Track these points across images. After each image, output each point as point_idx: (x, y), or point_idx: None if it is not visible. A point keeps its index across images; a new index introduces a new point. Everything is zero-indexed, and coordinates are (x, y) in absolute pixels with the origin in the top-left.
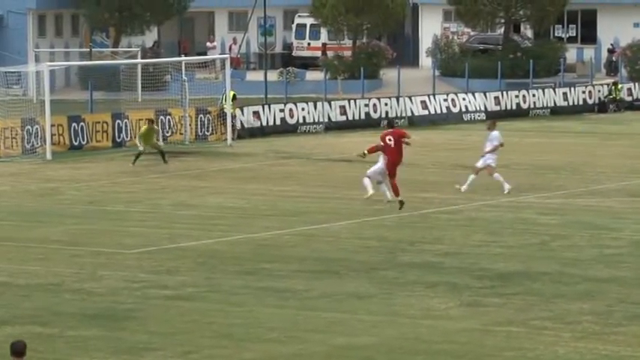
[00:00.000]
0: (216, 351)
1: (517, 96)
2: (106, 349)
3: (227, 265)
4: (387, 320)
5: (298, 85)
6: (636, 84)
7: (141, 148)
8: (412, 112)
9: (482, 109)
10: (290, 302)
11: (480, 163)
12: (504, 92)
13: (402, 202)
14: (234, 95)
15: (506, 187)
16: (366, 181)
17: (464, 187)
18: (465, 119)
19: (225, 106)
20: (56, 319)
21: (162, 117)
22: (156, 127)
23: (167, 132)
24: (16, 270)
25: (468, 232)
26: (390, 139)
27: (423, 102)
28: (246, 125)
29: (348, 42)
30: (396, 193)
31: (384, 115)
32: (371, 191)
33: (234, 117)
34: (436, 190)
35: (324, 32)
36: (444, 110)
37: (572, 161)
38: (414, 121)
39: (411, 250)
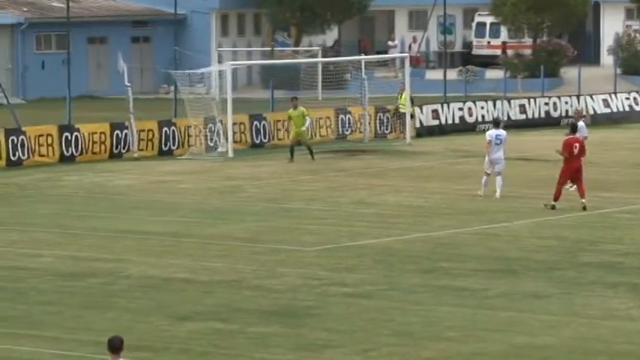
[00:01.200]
0: (395, 349)
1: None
2: (285, 346)
3: (405, 264)
4: (566, 320)
5: (477, 84)
6: None
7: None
8: (594, 110)
9: None
10: (468, 301)
11: None
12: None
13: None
14: (412, 99)
15: None
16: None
17: None
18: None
19: (401, 104)
20: (236, 315)
21: (342, 115)
22: (305, 111)
23: (347, 130)
24: (198, 266)
25: None
26: (575, 147)
27: (605, 100)
28: (425, 124)
29: (528, 40)
30: (582, 195)
31: (564, 114)
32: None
33: (412, 117)
34: (617, 189)
35: (504, 30)
36: (626, 108)
37: None
38: (597, 120)
39: (591, 249)
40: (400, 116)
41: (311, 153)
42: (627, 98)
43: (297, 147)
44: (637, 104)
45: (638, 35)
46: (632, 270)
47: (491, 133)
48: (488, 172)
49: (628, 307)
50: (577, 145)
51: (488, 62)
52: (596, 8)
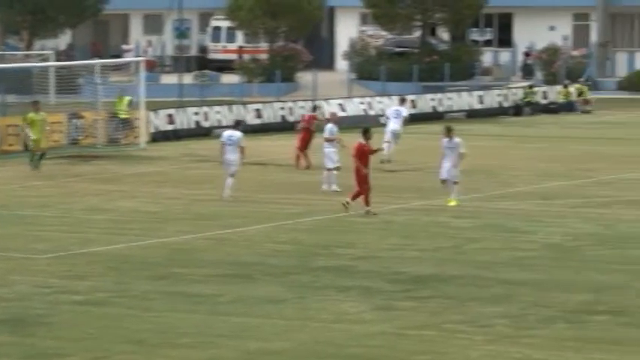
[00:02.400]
0: (127, 356)
1: (433, 99)
2: (15, 355)
3: (139, 270)
4: (300, 325)
5: (213, 88)
6: (551, 87)
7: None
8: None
9: None
10: (202, 307)
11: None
12: (420, 95)
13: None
14: (130, 101)
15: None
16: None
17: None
18: (383, 122)
19: (120, 110)
20: None
21: (74, 120)
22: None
23: (79, 135)
24: None
25: (382, 235)
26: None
27: (340, 105)
28: (160, 128)
29: (264, 45)
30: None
31: (299, 119)
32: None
33: (128, 121)
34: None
35: (240, 35)
36: (361, 113)
37: (487, 164)
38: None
39: (325, 254)
40: (124, 122)
41: (40, 159)
42: (362, 103)
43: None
44: (371, 109)
45: (372, 40)
46: (364, 274)
47: (225, 134)
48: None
49: (360, 310)
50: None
51: (224, 67)
52: (330, 13)
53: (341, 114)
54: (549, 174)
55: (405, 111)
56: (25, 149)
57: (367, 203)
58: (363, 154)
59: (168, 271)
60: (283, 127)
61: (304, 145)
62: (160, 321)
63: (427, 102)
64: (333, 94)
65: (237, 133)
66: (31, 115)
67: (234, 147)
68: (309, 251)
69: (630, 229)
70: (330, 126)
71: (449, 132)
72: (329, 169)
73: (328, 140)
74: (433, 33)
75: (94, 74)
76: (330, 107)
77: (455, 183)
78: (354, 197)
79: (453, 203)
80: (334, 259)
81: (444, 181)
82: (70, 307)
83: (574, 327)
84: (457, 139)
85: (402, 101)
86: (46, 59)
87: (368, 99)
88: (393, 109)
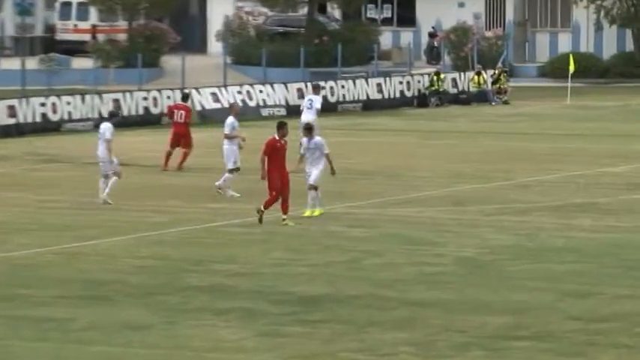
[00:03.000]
0: None
1: (323, 88)
2: None
3: None
4: (169, 354)
5: (63, 75)
6: (462, 74)
7: None
8: (202, 105)
9: (283, 103)
10: (52, 334)
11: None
12: (308, 83)
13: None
14: None
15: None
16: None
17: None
18: (264, 114)
19: None
20: None
21: None
22: None
23: None
24: None
25: (265, 249)
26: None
27: (214, 94)
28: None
29: (122, 23)
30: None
31: (165, 110)
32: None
33: None
34: (226, 199)
35: (93, 12)
36: (240, 103)
37: (388, 164)
38: (205, 116)
39: (198, 270)
40: None
41: None
42: (239, 92)
43: None
44: (251, 99)
45: (250, 18)
46: (245, 294)
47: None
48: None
49: (240, 337)
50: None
51: (75, 49)
52: None
53: (214, 105)
54: (460, 175)
55: (319, 100)
56: None
57: (283, 210)
58: (274, 152)
59: (12, 291)
60: (147, 120)
61: (176, 142)
62: (2, 350)
63: None
64: (205, 81)
65: (105, 125)
66: None
67: (102, 141)
68: (178, 267)
69: (553, 239)
70: (230, 120)
71: (309, 131)
72: (230, 171)
73: (229, 137)
74: (322, 10)
75: None
76: (225, 96)
77: (314, 189)
78: (268, 205)
79: (316, 213)
80: (209, 277)
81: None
82: None
83: (491, 354)
84: (318, 139)
85: (316, 88)
86: None
87: (247, 87)
88: (306, 99)
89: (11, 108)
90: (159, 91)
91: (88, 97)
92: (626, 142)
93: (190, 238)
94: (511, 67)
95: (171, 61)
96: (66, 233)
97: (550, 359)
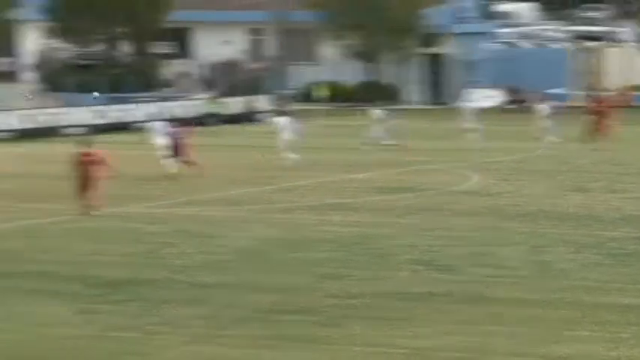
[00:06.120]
0: None
1: (120, 110)
2: None
3: None
4: (6, 328)
5: None
6: (233, 98)
7: None
8: None
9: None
10: None
11: None
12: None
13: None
14: None
15: None
16: None
17: None
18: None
19: None
20: None
21: None
22: None
23: None
24: None
25: (76, 241)
26: None
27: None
28: None
29: None
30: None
31: None
32: None
33: None
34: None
35: None
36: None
37: (176, 172)
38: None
39: (19, 259)
40: None
41: None
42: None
43: None
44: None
45: (58, 53)
46: (62, 278)
47: None
48: None
49: (60, 313)
50: None
51: None
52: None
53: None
54: (234, 180)
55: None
56: None
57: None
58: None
59: None
60: None
61: None
62: None
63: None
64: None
65: None
66: None
67: None
68: (10, 257)
69: (312, 233)
70: None
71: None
72: None
73: None
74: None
75: None
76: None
77: None
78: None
79: None
80: (31, 265)
81: None
82: None
83: (267, 326)
84: None
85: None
86: None
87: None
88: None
89: None
90: None
91: None
92: (368, 154)
93: (12, 232)
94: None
95: None
96: None
97: (317, 329)
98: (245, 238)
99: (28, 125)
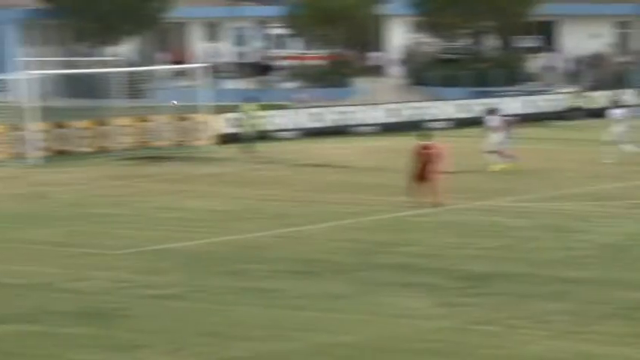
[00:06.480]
0: (203, 348)
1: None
2: (96, 346)
3: (210, 266)
4: (366, 319)
5: (273, 93)
6: (598, 92)
7: None
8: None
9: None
10: (272, 301)
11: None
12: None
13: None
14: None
15: None
16: None
17: None
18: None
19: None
20: (47, 317)
21: (145, 123)
22: None
23: (150, 137)
24: (8, 270)
25: (440, 234)
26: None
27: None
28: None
29: (323, 52)
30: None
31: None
32: None
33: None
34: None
35: (298, 42)
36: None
37: (540, 167)
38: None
39: (386, 251)
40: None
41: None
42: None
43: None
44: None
45: (424, 47)
46: (426, 271)
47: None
48: None
49: (424, 306)
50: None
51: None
52: (378, 21)
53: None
54: (599, 175)
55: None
56: None
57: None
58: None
59: (239, 267)
60: (341, 131)
61: None
62: (231, 315)
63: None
64: (388, 98)
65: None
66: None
67: None
68: (369, 249)
69: None
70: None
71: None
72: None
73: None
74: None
75: (162, 79)
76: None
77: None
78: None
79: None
80: (395, 257)
81: None
82: (146, 300)
83: (633, 324)
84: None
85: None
86: (115, 65)
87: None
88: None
89: (234, 120)
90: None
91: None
92: None
93: (379, 225)
94: None
95: (358, 82)
96: (279, 221)
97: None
98: (611, 234)
99: (393, 119)
